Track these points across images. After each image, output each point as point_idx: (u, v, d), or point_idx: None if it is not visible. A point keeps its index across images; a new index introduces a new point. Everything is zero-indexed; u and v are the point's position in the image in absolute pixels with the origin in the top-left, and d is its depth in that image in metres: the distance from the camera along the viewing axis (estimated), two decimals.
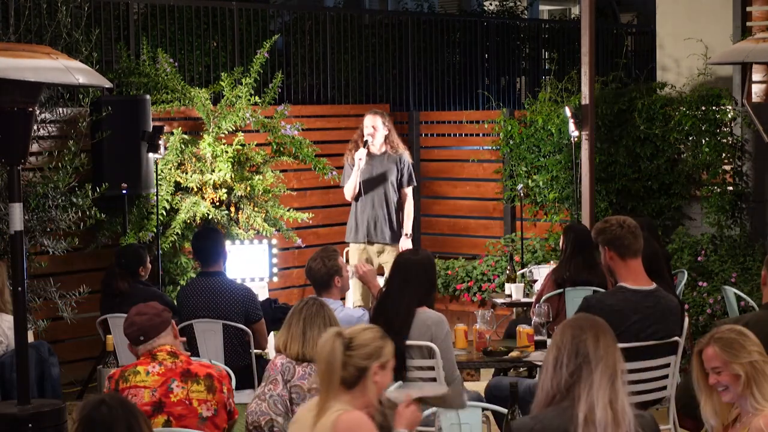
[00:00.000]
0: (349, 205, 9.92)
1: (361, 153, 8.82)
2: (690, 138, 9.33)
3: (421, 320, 5.67)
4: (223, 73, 9.64)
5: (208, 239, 7.20)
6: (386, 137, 8.94)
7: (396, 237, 8.95)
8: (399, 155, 8.97)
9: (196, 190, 9.19)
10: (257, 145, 9.61)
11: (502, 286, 9.23)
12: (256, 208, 9.42)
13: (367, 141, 8.86)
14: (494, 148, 10.85)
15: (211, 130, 9.27)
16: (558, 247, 8.61)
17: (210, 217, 9.12)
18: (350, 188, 8.94)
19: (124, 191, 8.52)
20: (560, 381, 3.37)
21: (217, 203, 9.25)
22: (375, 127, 8.89)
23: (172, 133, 9.15)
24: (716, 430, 3.99)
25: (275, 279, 9.41)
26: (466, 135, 11.37)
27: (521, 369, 7.07)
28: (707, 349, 3.94)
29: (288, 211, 9.59)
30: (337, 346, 3.73)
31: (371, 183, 8.92)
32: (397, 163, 8.94)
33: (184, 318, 6.86)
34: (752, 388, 3.86)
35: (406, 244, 8.93)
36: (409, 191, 9.02)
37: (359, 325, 3.90)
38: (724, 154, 9.22)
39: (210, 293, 6.94)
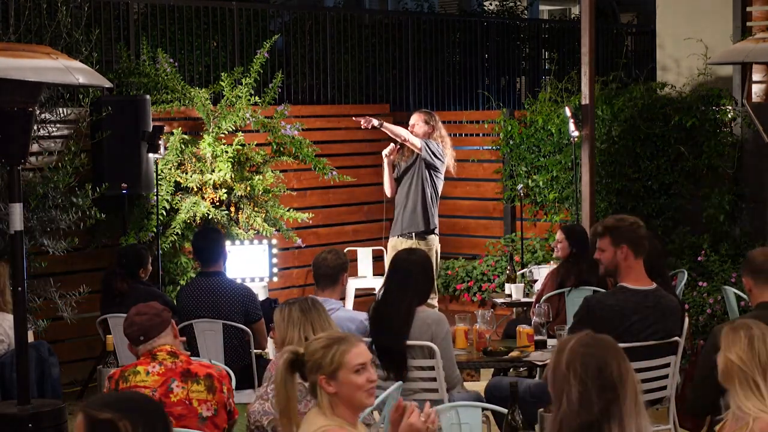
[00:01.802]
0: (349, 205, 9.94)
1: (387, 150, 8.81)
2: (690, 138, 9.33)
3: (421, 319, 5.67)
4: (223, 73, 9.64)
5: (208, 239, 7.20)
6: (429, 135, 8.88)
7: (425, 227, 8.90)
8: (426, 147, 8.77)
9: (196, 190, 9.19)
10: (257, 145, 9.61)
11: (502, 286, 9.23)
12: (256, 208, 9.42)
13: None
14: (494, 148, 10.86)
15: (211, 130, 9.27)
16: None
17: (210, 217, 9.12)
18: (385, 186, 8.95)
19: (124, 191, 8.52)
20: (586, 420, 3.10)
21: (217, 203, 9.25)
22: (413, 125, 8.87)
23: (172, 133, 9.15)
24: None
25: (275, 279, 9.41)
26: (466, 135, 11.37)
27: (521, 369, 7.07)
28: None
29: (288, 211, 9.59)
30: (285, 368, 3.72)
31: (407, 179, 8.89)
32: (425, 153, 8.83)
33: (184, 318, 6.86)
34: (734, 387, 3.77)
35: (372, 120, 8.80)
36: (418, 139, 8.75)
37: (313, 338, 3.80)
38: (724, 154, 9.23)
39: (210, 293, 6.94)
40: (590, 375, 3.11)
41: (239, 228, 9.31)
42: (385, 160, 8.87)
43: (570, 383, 3.12)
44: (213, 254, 7.05)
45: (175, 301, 7.46)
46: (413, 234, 8.85)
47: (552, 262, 8.89)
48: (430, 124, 8.88)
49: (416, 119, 8.92)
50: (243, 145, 9.41)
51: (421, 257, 5.86)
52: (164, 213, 8.94)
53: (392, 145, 8.88)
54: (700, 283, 8.70)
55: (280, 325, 4.94)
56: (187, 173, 9.19)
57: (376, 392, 3.79)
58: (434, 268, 9.03)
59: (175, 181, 9.11)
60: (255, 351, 6.89)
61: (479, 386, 7.17)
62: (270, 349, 8.66)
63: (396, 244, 8.89)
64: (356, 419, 3.78)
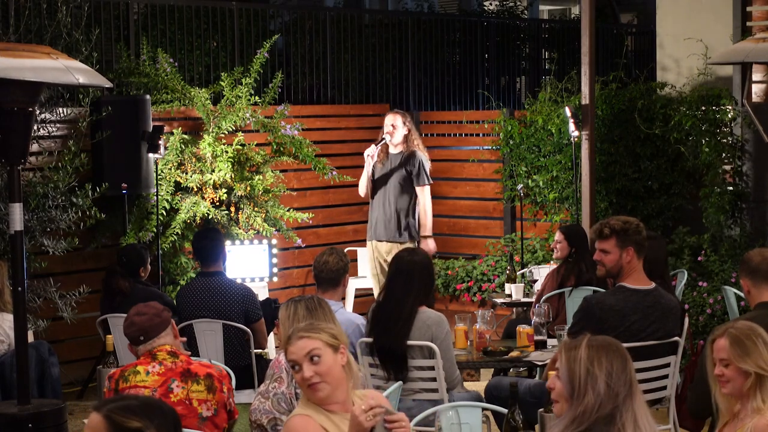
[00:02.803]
0: (349, 205, 9.91)
1: (371, 150, 8.83)
2: (690, 138, 9.33)
3: (421, 320, 5.67)
4: (223, 73, 9.63)
5: (207, 239, 7.20)
6: (406, 136, 8.91)
7: (404, 235, 8.91)
8: (411, 153, 8.92)
9: (196, 190, 9.19)
10: (257, 145, 9.61)
11: (502, 286, 9.23)
12: (256, 208, 9.42)
13: (384, 139, 8.84)
14: (494, 148, 10.85)
15: (211, 130, 9.27)
16: None
17: (210, 217, 9.12)
18: (362, 186, 8.99)
19: (124, 191, 8.52)
20: (609, 411, 3.28)
21: (217, 203, 9.25)
22: (394, 126, 8.87)
23: (172, 133, 9.15)
24: (723, 414, 4.00)
25: (275, 279, 9.42)
26: (466, 135, 11.37)
27: (521, 369, 7.07)
28: (719, 340, 3.94)
29: (288, 211, 9.59)
30: None
31: (383, 181, 8.93)
32: (408, 161, 8.91)
33: (184, 318, 6.86)
34: (756, 389, 3.85)
35: (430, 244, 8.93)
36: (421, 190, 8.96)
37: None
38: (724, 154, 9.22)
39: (210, 293, 6.94)
40: (616, 369, 3.30)
41: (239, 228, 9.31)
42: (368, 160, 8.87)
43: (596, 376, 3.29)
44: (213, 254, 7.06)
45: (174, 301, 7.46)
46: (400, 242, 8.86)
47: (552, 262, 8.89)
48: (406, 125, 8.92)
49: (394, 120, 8.89)
50: (243, 145, 9.41)
51: (422, 258, 5.86)
52: (164, 213, 8.94)
53: (374, 146, 8.87)
54: (700, 283, 8.69)
55: (285, 323, 4.92)
56: (187, 173, 9.19)
57: (323, 389, 3.76)
58: None
59: (175, 181, 9.11)
60: (255, 351, 6.89)
61: (479, 386, 7.17)
62: (270, 349, 8.66)
63: (378, 247, 8.92)
64: (338, 404, 3.78)
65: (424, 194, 8.97)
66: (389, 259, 8.87)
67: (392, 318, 5.66)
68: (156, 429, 2.78)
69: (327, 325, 3.92)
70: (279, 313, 5.01)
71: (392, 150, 8.93)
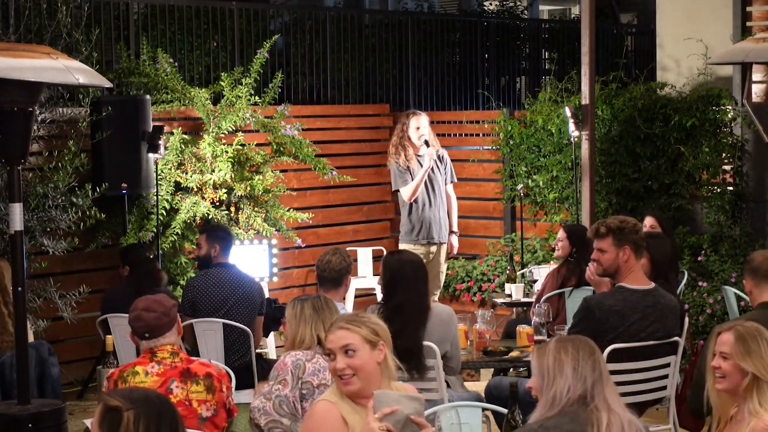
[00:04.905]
0: (349, 205, 9.88)
1: (432, 152, 8.73)
2: (690, 138, 9.33)
3: (436, 314, 5.69)
4: (223, 73, 9.64)
5: (230, 232, 7.48)
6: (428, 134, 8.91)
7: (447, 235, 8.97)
8: (441, 154, 8.92)
9: (196, 190, 9.19)
10: (257, 145, 9.61)
11: (502, 286, 9.22)
12: (256, 208, 9.42)
13: (426, 142, 8.74)
14: (494, 148, 10.86)
15: (211, 130, 9.27)
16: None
17: (210, 217, 9.12)
18: (412, 189, 8.73)
19: (124, 191, 8.52)
20: (580, 393, 3.39)
21: (217, 203, 9.25)
22: (423, 127, 8.78)
23: (172, 133, 9.15)
24: (717, 412, 4.01)
25: (275, 279, 9.42)
26: (466, 135, 11.37)
27: (521, 369, 7.07)
28: (725, 334, 3.94)
29: (288, 211, 9.60)
30: None
31: (428, 183, 8.82)
32: (441, 161, 8.91)
33: (205, 305, 6.94)
34: (753, 391, 3.84)
35: (455, 241, 8.98)
36: (453, 188, 9.03)
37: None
38: (724, 154, 9.22)
39: (234, 281, 7.07)
40: (582, 355, 3.44)
41: (239, 228, 9.31)
42: (430, 163, 8.75)
43: (562, 362, 3.44)
44: (231, 248, 7.24)
45: (180, 299, 7.47)
46: (445, 242, 8.92)
47: (552, 262, 8.89)
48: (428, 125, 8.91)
49: (423, 122, 8.81)
50: (243, 145, 9.42)
51: (413, 255, 5.88)
52: (164, 213, 8.94)
53: (429, 148, 8.73)
54: (700, 283, 8.69)
55: (291, 322, 4.90)
56: (187, 173, 9.19)
57: (354, 383, 3.76)
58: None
59: (175, 181, 9.12)
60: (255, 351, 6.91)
61: (479, 386, 7.17)
62: (270, 349, 8.66)
63: (431, 249, 8.89)
64: (368, 399, 3.74)
65: (453, 192, 9.04)
66: (443, 260, 8.91)
67: (407, 317, 5.61)
68: (134, 412, 2.93)
69: (372, 319, 3.88)
70: (285, 311, 4.99)
71: (422, 151, 8.85)
